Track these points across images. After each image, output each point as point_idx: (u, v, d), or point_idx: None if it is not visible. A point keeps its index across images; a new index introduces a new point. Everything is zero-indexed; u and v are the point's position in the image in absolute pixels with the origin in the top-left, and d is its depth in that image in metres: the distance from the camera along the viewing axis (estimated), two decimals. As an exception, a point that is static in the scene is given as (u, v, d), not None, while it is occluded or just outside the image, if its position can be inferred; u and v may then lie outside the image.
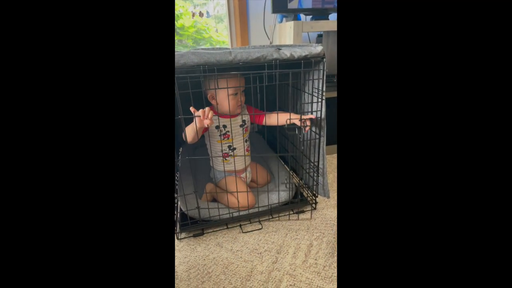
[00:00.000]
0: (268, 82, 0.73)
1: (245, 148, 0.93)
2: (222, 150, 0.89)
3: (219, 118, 0.85)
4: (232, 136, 0.87)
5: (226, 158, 0.91)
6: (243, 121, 0.90)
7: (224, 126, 0.87)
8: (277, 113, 0.83)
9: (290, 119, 0.82)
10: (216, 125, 0.86)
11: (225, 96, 0.80)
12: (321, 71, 0.77)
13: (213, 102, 0.85)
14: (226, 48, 0.72)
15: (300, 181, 1.03)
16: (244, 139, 0.92)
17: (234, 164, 0.90)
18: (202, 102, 0.73)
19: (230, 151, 0.90)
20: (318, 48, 0.74)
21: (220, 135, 0.87)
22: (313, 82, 0.81)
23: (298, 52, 0.72)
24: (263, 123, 0.92)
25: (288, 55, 0.71)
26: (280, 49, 0.71)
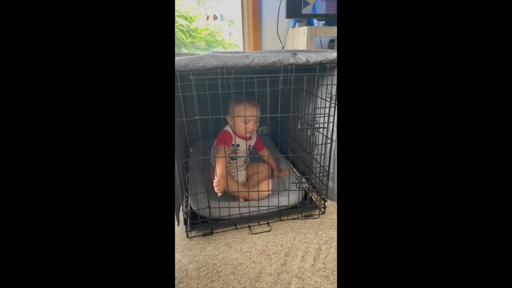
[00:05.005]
0: (282, 86, 0.74)
1: (243, 160, 1.07)
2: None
3: (236, 137, 0.97)
4: (239, 153, 1.02)
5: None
6: (249, 145, 1.04)
7: (238, 145, 0.99)
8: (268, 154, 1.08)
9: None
10: (232, 143, 0.98)
11: (239, 121, 0.93)
12: (335, 76, 0.78)
13: (230, 122, 0.98)
14: (243, 52, 0.74)
15: (309, 185, 1.03)
16: (245, 156, 1.07)
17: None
18: (219, 103, 0.75)
19: (231, 160, 1.03)
20: (333, 54, 0.75)
21: (230, 149, 1.00)
22: (327, 87, 0.82)
23: (314, 57, 0.73)
24: (260, 152, 1.11)
25: (304, 60, 0.72)
26: (296, 54, 0.72)
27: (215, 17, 1.60)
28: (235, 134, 0.97)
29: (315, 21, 1.49)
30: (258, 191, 0.91)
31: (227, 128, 1.00)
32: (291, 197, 0.91)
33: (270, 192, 0.91)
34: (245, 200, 0.95)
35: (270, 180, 0.93)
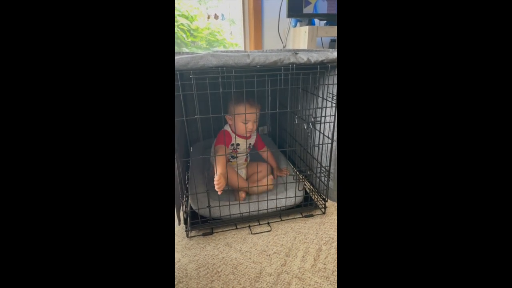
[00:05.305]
0: (283, 85, 0.74)
1: (244, 159, 1.07)
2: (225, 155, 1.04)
3: (237, 137, 0.97)
4: (239, 152, 1.03)
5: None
6: (249, 143, 1.05)
7: (238, 144, 1.00)
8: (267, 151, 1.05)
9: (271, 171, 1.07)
10: (231, 143, 0.98)
11: (239, 121, 0.93)
12: (336, 76, 0.77)
13: (230, 122, 0.97)
14: (244, 51, 0.73)
15: (310, 185, 1.03)
16: (246, 155, 1.08)
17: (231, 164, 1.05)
18: (219, 102, 0.75)
19: (232, 158, 1.03)
20: (334, 53, 0.74)
21: (230, 148, 1.01)
22: (328, 87, 0.81)
23: (315, 57, 0.72)
24: (260, 151, 1.10)
25: (305, 59, 0.71)
26: (297, 54, 0.72)
27: (216, 17, 1.60)
28: (235, 133, 0.97)
29: (316, 20, 1.49)
30: (258, 185, 0.92)
31: (227, 127, 1.00)
32: (289, 194, 0.91)
33: (271, 186, 0.93)
34: (246, 194, 0.95)
35: (271, 176, 0.96)
